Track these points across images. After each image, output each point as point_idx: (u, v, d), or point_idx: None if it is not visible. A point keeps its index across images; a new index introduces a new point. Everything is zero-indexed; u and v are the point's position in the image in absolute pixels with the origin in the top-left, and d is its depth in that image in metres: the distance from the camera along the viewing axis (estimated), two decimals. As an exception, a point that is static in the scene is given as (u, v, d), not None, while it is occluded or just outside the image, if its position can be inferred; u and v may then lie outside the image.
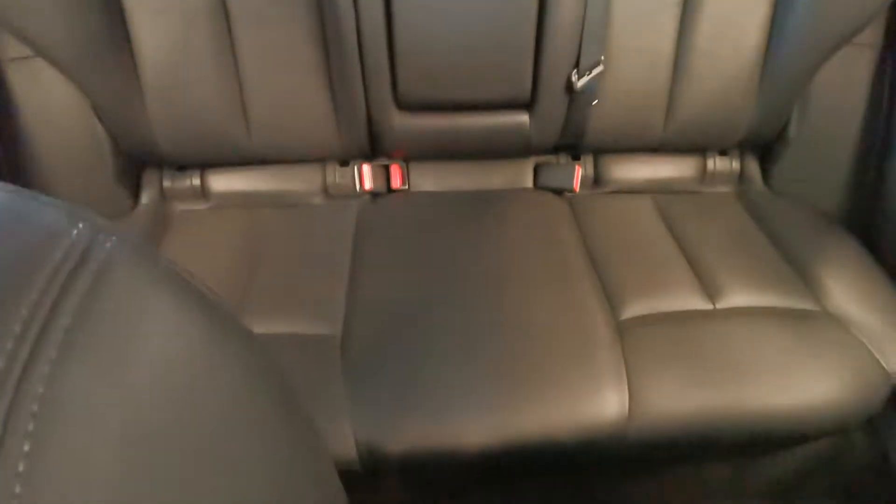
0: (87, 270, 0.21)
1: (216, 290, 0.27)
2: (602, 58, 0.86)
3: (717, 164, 1.01)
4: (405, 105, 0.89)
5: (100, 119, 0.87)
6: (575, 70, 0.86)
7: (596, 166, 1.01)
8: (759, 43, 0.88)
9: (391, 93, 0.88)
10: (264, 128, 0.90)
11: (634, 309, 0.75)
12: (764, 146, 1.00)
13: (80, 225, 0.22)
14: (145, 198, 0.96)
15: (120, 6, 0.81)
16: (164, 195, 0.96)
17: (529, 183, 1.00)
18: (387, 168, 0.98)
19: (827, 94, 0.91)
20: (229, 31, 0.84)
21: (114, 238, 0.22)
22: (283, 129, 0.91)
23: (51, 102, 0.84)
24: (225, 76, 0.86)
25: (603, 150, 1.00)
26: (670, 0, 0.85)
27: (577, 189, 0.97)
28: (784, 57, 0.88)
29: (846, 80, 0.90)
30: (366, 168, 0.97)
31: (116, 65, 0.83)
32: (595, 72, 0.86)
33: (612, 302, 0.76)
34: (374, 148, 0.95)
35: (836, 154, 0.95)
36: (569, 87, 0.87)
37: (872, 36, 0.88)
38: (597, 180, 1.01)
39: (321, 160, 0.97)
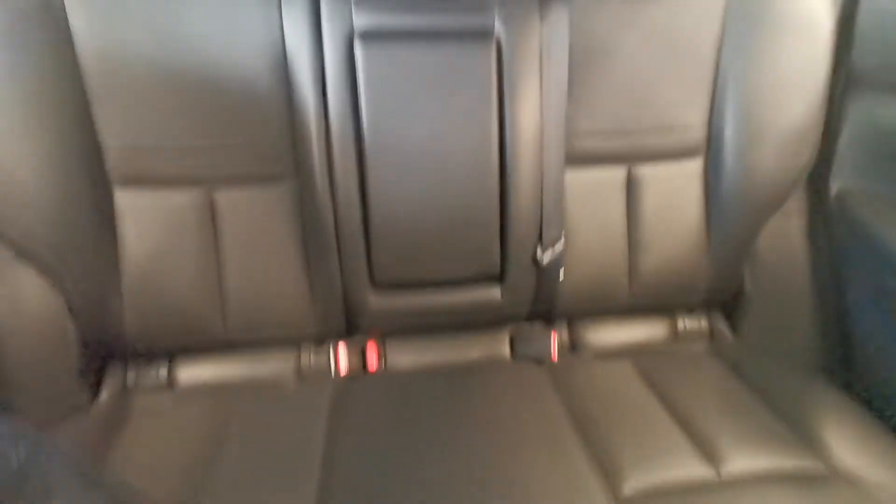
0: (23, 496, 0.19)
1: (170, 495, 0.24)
2: (563, 233, 0.92)
3: (686, 323, 1.04)
4: (380, 284, 0.92)
5: (71, 316, 0.86)
6: (539, 245, 0.92)
7: (570, 332, 1.03)
8: (699, 214, 0.97)
9: (367, 273, 0.91)
10: (240, 312, 0.90)
11: (634, 482, 0.70)
12: (728, 303, 1.04)
13: (21, 447, 0.20)
14: (105, 392, 0.90)
15: (111, 204, 0.85)
16: (126, 388, 0.91)
17: (506, 352, 1.00)
18: (362, 347, 0.97)
19: (772, 249, 0.99)
20: (214, 224, 0.88)
21: (53, 459, 0.21)
22: (259, 312, 0.91)
23: (22, 298, 0.83)
24: (205, 267, 0.88)
25: (575, 316, 1.03)
26: (615, 180, 0.95)
27: (556, 357, 0.98)
28: (723, 225, 0.96)
29: (787, 235, 0.99)
30: (341, 347, 0.96)
31: (97, 263, 0.85)
32: (558, 246, 0.92)
33: (608, 476, 0.71)
34: (350, 327, 0.96)
35: (795, 304, 1.00)
36: (535, 260, 0.92)
37: (799, 200, 0.99)
38: (573, 346, 1.02)
39: (295, 341, 0.96)
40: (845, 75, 0.91)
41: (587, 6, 0.87)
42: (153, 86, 0.81)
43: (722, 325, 1.05)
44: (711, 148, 0.94)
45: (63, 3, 0.76)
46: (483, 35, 0.84)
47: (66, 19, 0.77)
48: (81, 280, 0.84)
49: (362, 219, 0.88)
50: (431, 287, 0.94)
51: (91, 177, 0.82)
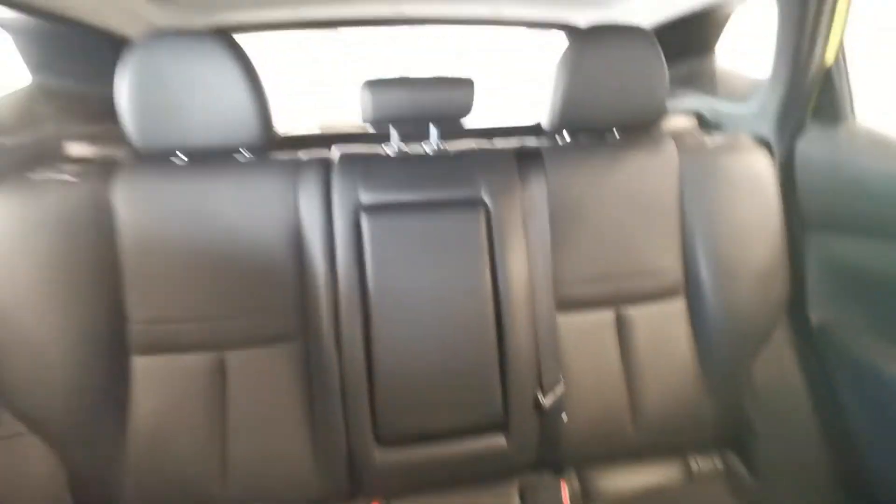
0: None
1: None
2: (561, 376, 0.95)
3: (700, 463, 1.02)
4: (385, 439, 0.92)
5: (70, 488, 0.84)
6: (539, 389, 0.94)
7: (581, 480, 1.00)
8: (689, 349, 1.01)
9: (371, 428, 0.91)
10: (242, 476, 0.89)
11: None
12: (739, 440, 1.03)
13: None
14: None
15: (126, 372, 0.88)
16: None
17: None
18: None
19: (770, 381, 1.01)
20: (222, 385, 0.90)
21: None
22: (262, 475, 0.90)
23: (25, 468, 0.82)
24: (211, 430, 0.89)
25: (583, 462, 1.01)
26: (605, 322, 1.00)
27: None
28: (714, 359, 1.00)
29: (781, 367, 1.01)
30: None
31: (105, 433, 0.85)
32: (558, 389, 0.94)
33: None
34: (353, 488, 0.93)
35: (802, 435, 0.99)
36: (537, 405, 0.94)
37: (785, 332, 1.03)
38: (585, 495, 0.99)
39: None
40: (799, 219, 1.02)
41: (561, 175, 1.00)
42: (181, 262, 0.89)
43: (736, 464, 1.03)
44: (690, 288, 1.02)
45: (109, 195, 0.88)
46: (472, 204, 0.96)
47: (110, 208, 0.87)
48: (87, 451, 0.84)
49: (367, 375, 0.91)
50: (436, 439, 0.94)
51: (112, 348, 0.87)
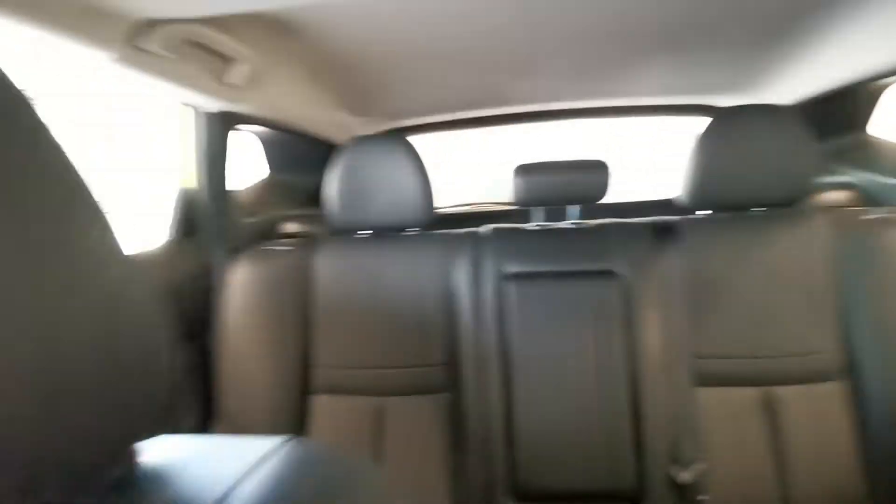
0: None
1: None
2: (700, 454, 0.93)
3: None
4: (521, 496, 0.97)
5: None
6: (676, 464, 0.93)
7: None
8: (851, 439, 0.91)
9: (508, 483, 0.97)
10: None
11: None
12: None
13: None
14: None
15: (307, 408, 1.05)
16: None
17: None
18: None
19: None
20: (382, 427, 1.03)
21: None
22: None
23: None
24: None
25: None
26: (750, 400, 0.96)
27: None
28: (882, 452, 0.90)
29: None
30: None
31: None
32: (697, 466, 0.92)
33: None
34: None
35: None
36: (674, 481, 0.92)
37: None
38: None
39: None
40: None
41: (699, 248, 1.02)
42: (358, 318, 1.08)
43: None
44: (852, 372, 0.94)
45: (311, 262, 1.11)
46: (608, 274, 1.03)
47: (310, 272, 1.10)
48: None
49: (506, 430, 0.98)
50: (571, 501, 0.96)
51: (300, 386, 1.06)
